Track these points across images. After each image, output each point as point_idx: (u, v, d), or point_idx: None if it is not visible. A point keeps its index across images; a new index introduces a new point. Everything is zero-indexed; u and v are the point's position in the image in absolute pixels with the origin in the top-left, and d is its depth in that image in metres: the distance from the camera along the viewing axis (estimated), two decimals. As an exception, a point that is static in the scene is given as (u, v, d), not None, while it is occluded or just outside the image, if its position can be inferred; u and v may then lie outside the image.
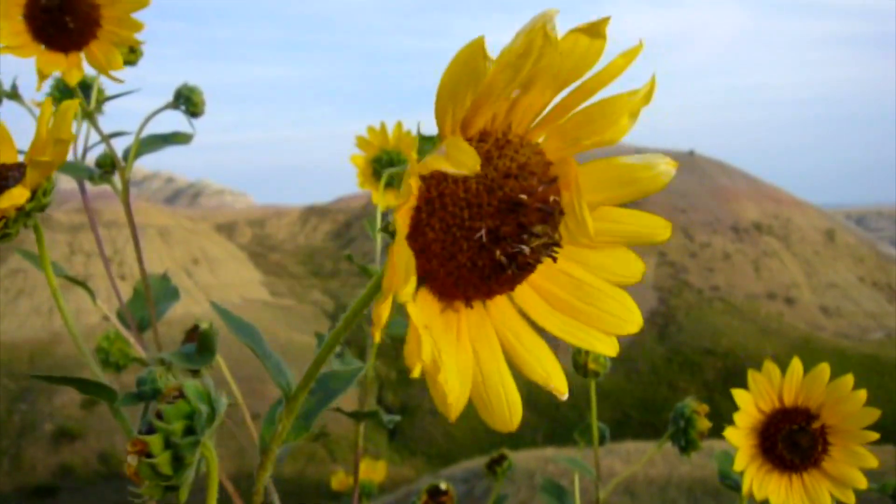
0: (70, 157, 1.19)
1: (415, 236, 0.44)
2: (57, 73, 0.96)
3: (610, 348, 0.50)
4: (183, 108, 1.24)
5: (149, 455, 0.46)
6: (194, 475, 0.49)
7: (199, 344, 0.94)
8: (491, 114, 0.44)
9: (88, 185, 1.19)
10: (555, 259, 0.46)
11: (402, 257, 0.40)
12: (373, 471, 1.65)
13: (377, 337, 0.41)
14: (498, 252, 0.43)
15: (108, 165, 1.20)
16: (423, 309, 0.44)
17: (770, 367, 0.97)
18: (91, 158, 1.24)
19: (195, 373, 1.08)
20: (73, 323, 0.68)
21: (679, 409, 1.06)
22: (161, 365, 1.04)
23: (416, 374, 0.41)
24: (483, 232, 0.43)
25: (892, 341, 15.84)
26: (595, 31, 0.42)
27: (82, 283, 1.06)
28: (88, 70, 0.98)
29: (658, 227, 0.50)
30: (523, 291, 0.49)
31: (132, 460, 0.47)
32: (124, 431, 0.70)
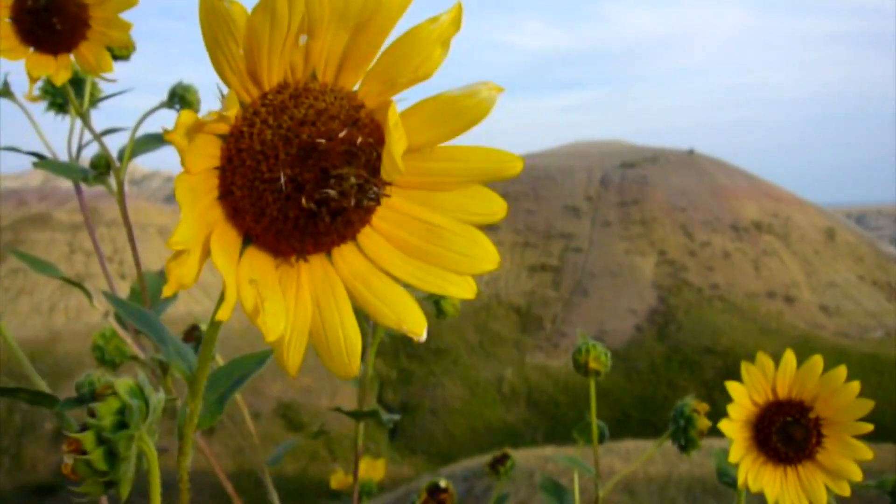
0: (64, 156, 1.19)
1: (225, 196, 0.45)
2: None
3: (464, 290, 0.50)
4: (178, 107, 1.24)
5: (83, 452, 0.47)
6: (135, 471, 0.50)
7: (198, 344, 0.95)
8: (286, 64, 0.45)
9: (85, 185, 1.19)
10: (378, 201, 0.46)
11: (183, 218, 0.41)
12: (373, 469, 1.65)
13: (167, 292, 0.41)
14: (304, 199, 0.44)
15: (102, 166, 1.20)
16: (251, 266, 0.45)
17: (763, 359, 0.98)
18: (87, 156, 1.24)
19: None
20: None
21: (679, 408, 1.06)
22: (158, 365, 1.04)
23: (222, 316, 0.43)
24: (283, 181, 0.43)
25: (892, 340, 15.85)
26: None
27: (78, 284, 1.06)
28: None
29: (506, 161, 0.49)
30: (373, 241, 0.49)
31: (68, 459, 0.48)
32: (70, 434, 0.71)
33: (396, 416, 1.28)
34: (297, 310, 0.47)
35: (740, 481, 0.96)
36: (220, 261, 0.43)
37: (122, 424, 0.48)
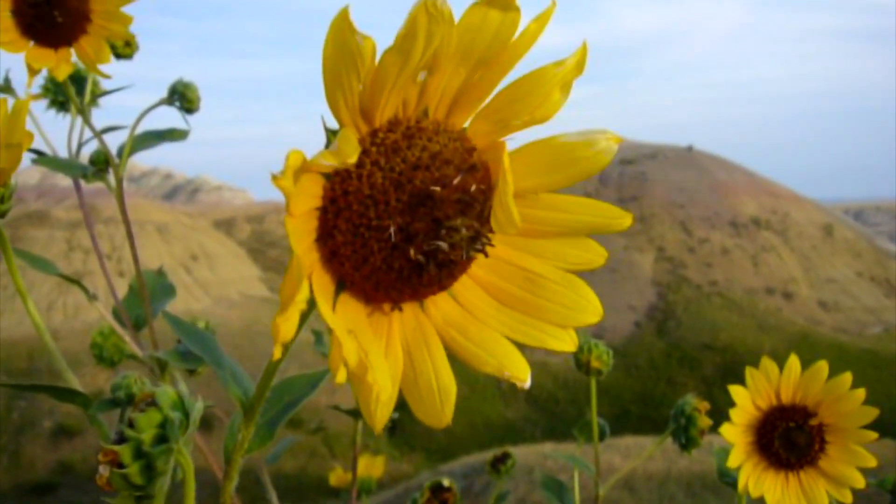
0: (63, 153, 1.19)
1: (324, 239, 0.41)
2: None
3: (565, 344, 0.46)
4: (177, 104, 1.23)
5: (120, 465, 0.45)
6: (170, 483, 0.48)
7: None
8: (399, 100, 0.41)
9: (84, 182, 1.19)
10: (486, 254, 0.42)
11: (294, 263, 0.37)
12: (372, 467, 1.65)
13: (277, 354, 0.38)
14: (412, 251, 0.40)
15: (101, 163, 1.20)
16: (346, 314, 0.42)
17: (768, 363, 0.97)
18: (86, 153, 1.24)
19: (191, 372, 1.07)
20: (41, 323, 0.68)
21: (680, 407, 1.06)
22: (157, 363, 1.03)
23: (340, 378, 0.38)
24: (392, 230, 0.40)
25: (890, 336, 15.87)
26: (503, 2, 0.39)
27: (76, 281, 1.05)
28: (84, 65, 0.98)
29: (614, 217, 0.45)
30: (467, 288, 0.46)
31: (103, 470, 0.46)
32: (101, 437, 0.70)
33: (395, 415, 1.28)
34: (388, 359, 0.43)
35: (740, 486, 0.95)
36: (325, 310, 0.39)
37: (162, 438, 0.47)
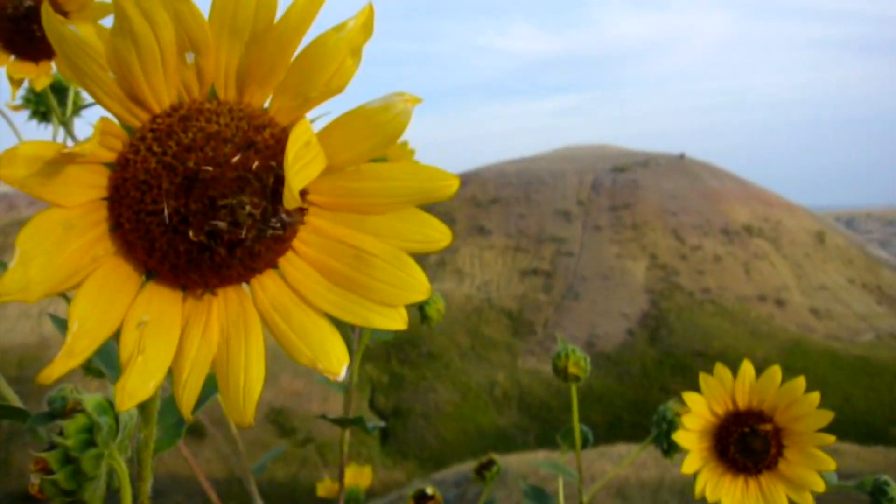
0: None
1: (116, 229, 0.42)
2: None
3: (391, 321, 0.46)
4: None
5: (50, 472, 0.46)
6: (105, 490, 0.48)
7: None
8: (176, 83, 0.42)
9: None
10: (284, 231, 0.42)
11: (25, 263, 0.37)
12: (359, 476, 1.64)
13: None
14: (191, 232, 0.41)
15: None
16: (149, 304, 0.42)
17: (721, 369, 0.98)
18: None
19: None
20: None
21: (661, 412, 1.06)
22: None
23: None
24: (167, 213, 0.40)
25: (882, 343, 15.91)
26: None
27: (61, 294, 1.05)
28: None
29: (439, 179, 0.45)
30: (296, 268, 0.46)
31: (34, 478, 0.46)
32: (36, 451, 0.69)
33: (381, 424, 1.28)
34: (201, 347, 0.43)
35: (697, 491, 0.96)
36: (83, 302, 0.40)
37: (89, 443, 0.47)
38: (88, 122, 1.26)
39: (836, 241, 20.79)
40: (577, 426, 1.15)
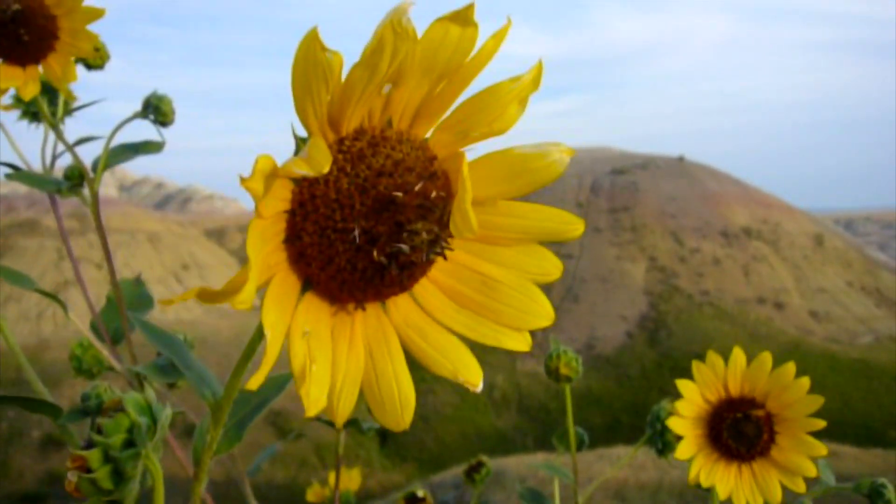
0: (38, 167, 1.18)
1: (292, 241, 0.44)
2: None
3: (519, 343, 0.49)
4: (152, 117, 1.22)
5: (88, 470, 0.46)
6: (139, 490, 0.48)
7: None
8: (365, 111, 0.44)
9: (59, 197, 1.18)
10: (444, 257, 0.45)
11: (249, 264, 0.39)
12: (349, 479, 1.62)
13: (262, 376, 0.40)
14: (375, 252, 0.43)
15: (76, 178, 1.19)
16: (308, 313, 0.44)
17: (713, 357, 0.99)
18: (65, 164, 1.23)
19: (171, 386, 1.06)
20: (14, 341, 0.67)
21: (655, 412, 1.07)
22: (135, 377, 1.02)
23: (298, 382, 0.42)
24: (357, 233, 0.42)
25: (881, 345, 15.94)
26: (463, 18, 0.41)
27: (54, 297, 1.04)
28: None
29: (568, 223, 0.48)
30: (427, 291, 0.48)
31: (72, 476, 0.46)
32: (73, 447, 0.70)
33: (375, 425, 1.28)
34: (350, 359, 0.46)
35: (691, 477, 0.97)
36: (272, 313, 0.41)
37: (129, 443, 0.47)
38: (80, 120, 1.26)
39: (834, 244, 20.80)
40: (572, 428, 1.15)
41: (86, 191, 1.15)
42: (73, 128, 1.19)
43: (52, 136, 1.18)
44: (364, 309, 0.47)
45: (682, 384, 0.99)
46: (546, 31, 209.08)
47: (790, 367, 0.96)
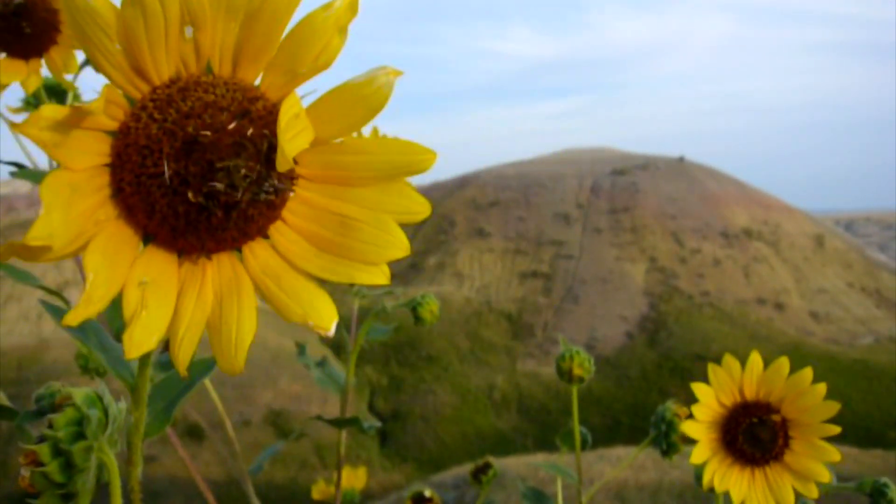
0: (45, 164, 1.19)
1: (117, 194, 0.45)
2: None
3: (374, 277, 0.50)
4: None
5: (40, 464, 0.47)
6: (95, 483, 0.49)
7: None
8: (175, 57, 0.44)
9: None
10: (276, 195, 0.45)
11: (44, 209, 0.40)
12: (354, 478, 1.63)
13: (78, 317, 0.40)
14: (190, 193, 0.44)
15: None
16: (148, 266, 0.45)
17: (730, 360, 0.99)
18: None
19: None
20: None
21: (660, 413, 1.07)
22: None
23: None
24: (168, 174, 0.43)
25: (881, 347, 15.90)
26: None
27: (57, 293, 1.05)
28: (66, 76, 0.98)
29: (418, 153, 0.49)
30: (287, 238, 0.49)
31: (25, 472, 0.48)
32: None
33: (377, 424, 1.28)
34: (196, 308, 0.47)
35: (705, 481, 0.97)
36: (95, 255, 0.42)
37: (79, 435, 0.48)
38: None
39: (835, 245, 20.78)
40: (577, 427, 1.15)
41: None
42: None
43: None
44: (209, 258, 0.48)
45: (698, 387, 0.99)
46: (546, 32, 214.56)
47: (807, 372, 0.96)
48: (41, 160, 1.22)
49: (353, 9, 0.45)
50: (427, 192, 16.95)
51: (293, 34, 0.45)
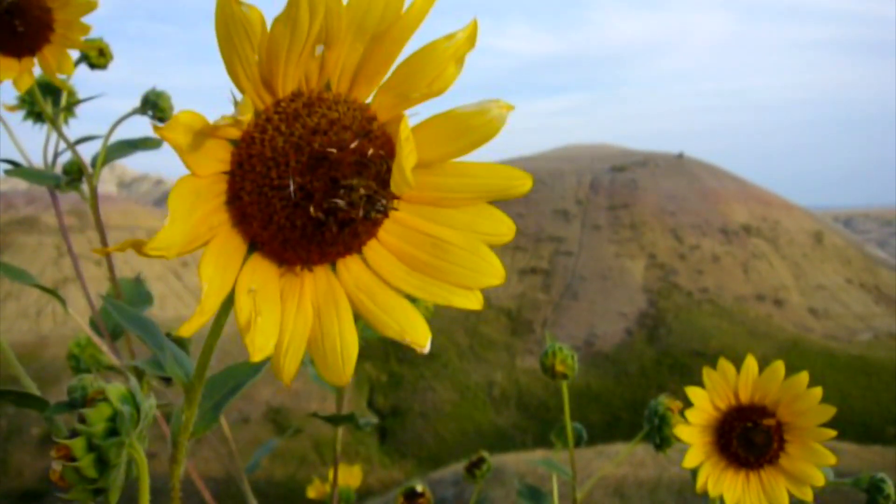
0: (39, 162, 1.19)
1: (233, 201, 0.45)
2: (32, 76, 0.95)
3: (469, 301, 0.50)
4: (150, 113, 1.23)
5: (72, 459, 0.47)
6: (124, 478, 0.49)
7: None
8: (300, 73, 0.45)
9: (59, 192, 1.19)
10: (386, 214, 0.46)
11: (170, 216, 0.41)
12: (349, 476, 1.63)
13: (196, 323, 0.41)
14: (312, 208, 0.43)
15: (75, 172, 1.19)
16: (253, 274, 0.45)
17: (725, 364, 0.98)
18: (66, 162, 1.24)
19: (168, 381, 1.06)
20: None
21: (653, 407, 1.07)
22: (134, 372, 1.03)
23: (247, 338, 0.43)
24: (292, 188, 0.43)
25: (880, 343, 15.94)
26: None
27: (53, 292, 1.05)
28: (61, 75, 0.98)
29: (515, 178, 0.49)
30: (379, 255, 0.49)
31: (56, 465, 0.47)
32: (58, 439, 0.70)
33: (374, 420, 1.28)
34: (297, 318, 0.47)
35: (699, 485, 0.97)
36: (209, 267, 0.43)
37: (112, 431, 0.48)
38: (81, 119, 1.26)
39: (834, 241, 20.80)
40: (570, 424, 1.15)
41: (84, 186, 1.15)
42: (73, 126, 1.20)
43: (54, 134, 1.19)
44: (311, 270, 0.48)
45: (692, 391, 0.98)
46: (545, 29, 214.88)
47: (803, 376, 0.96)
48: (35, 158, 1.22)
49: (472, 41, 0.46)
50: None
51: (412, 59, 0.46)
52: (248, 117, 0.42)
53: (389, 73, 0.47)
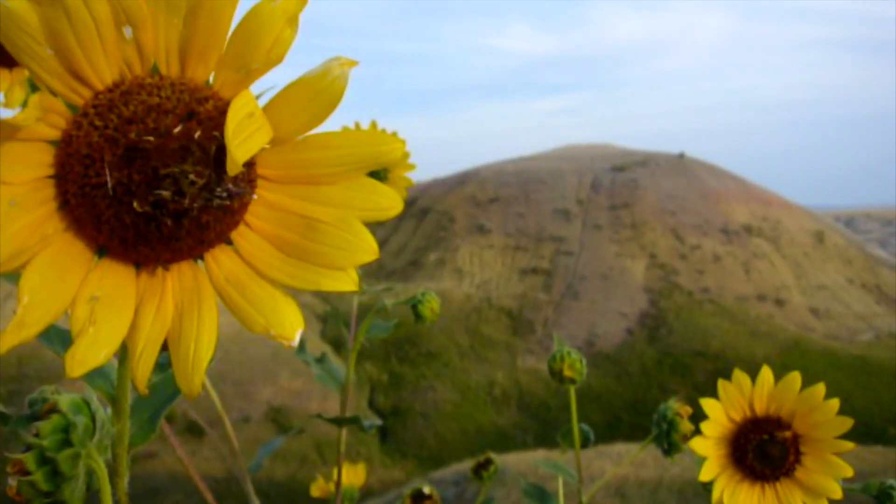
0: None
1: (64, 207, 0.42)
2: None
3: (341, 283, 0.47)
4: None
5: (27, 473, 0.46)
6: (85, 490, 0.48)
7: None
8: (117, 60, 0.42)
9: None
10: (231, 199, 0.43)
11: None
12: (353, 475, 1.62)
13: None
14: (135, 203, 0.41)
15: None
16: (101, 280, 0.43)
17: (740, 376, 0.97)
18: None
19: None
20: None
21: (662, 412, 1.06)
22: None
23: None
24: (110, 185, 0.41)
25: (881, 343, 15.90)
26: None
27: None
28: None
29: (383, 143, 0.46)
30: (253, 244, 0.47)
31: (12, 481, 0.46)
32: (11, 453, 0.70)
33: (378, 422, 1.28)
34: (155, 322, 0.44)
35: (714, 498, 0.96)
36: (34, 278, 0.40)
37: (65, 443, 0.47)
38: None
39: (835, 241, 20.79)
40: (576, 427, 1.15)
41: None
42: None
43: None
44: (168, 269, 0.45)
45: (708, 403, 0.97)
46: (545, 29, 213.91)
47: (820, 388, 0.95)
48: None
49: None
50: (427, 188, 16.93)
51: (241, 28, 0.43)
52: (22, 118, 0.39)
53: (225, 48, 0.44)
